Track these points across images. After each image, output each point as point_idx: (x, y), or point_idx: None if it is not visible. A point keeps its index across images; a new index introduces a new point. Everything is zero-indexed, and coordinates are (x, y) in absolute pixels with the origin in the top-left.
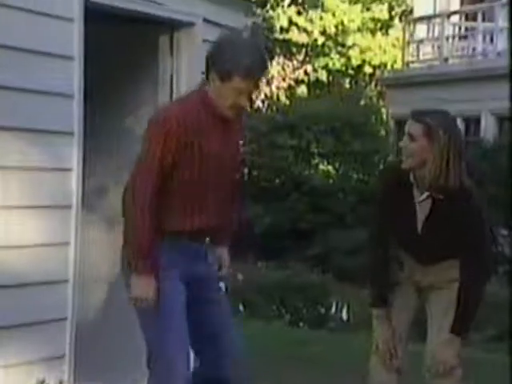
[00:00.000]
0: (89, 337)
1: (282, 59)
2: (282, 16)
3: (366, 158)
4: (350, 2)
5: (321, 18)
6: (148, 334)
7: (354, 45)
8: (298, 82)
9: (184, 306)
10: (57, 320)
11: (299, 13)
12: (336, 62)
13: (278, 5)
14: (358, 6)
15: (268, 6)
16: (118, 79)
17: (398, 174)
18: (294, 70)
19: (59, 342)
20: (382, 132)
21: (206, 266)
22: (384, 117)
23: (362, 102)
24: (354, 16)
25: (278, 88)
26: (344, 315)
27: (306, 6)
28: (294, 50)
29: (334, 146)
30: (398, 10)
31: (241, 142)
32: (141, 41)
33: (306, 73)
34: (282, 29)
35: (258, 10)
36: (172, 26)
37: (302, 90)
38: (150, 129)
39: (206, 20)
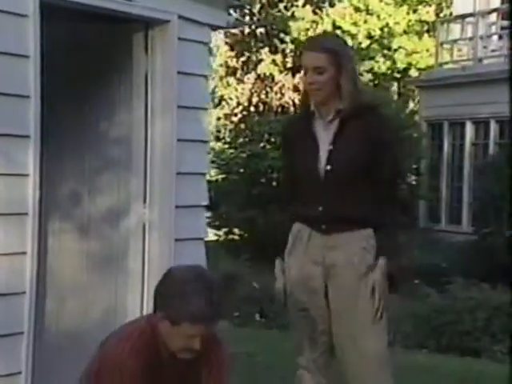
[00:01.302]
0: (56, 351)
1: None
2: (325, 19)
3: None
4: (395, 5)
5: (365, 21)
6: None
7: (399, 48)
8: None
9: None
10: (12, 334)
11: (315, 12)
12: (381, 65)
13: (292, 5)
14: (404, 8)
15: (281, 7)
16: (92, 79)
17: (293, 120)
18: None
19: (15, 358)
20: (415, 135)
21: None
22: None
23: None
24: (400, 18)
25: None
26: None
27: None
28: None
29: None
30: (446, 11)
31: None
32: (114, 40)
33: None
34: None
35: (270, 10)
36: (146, 24)
37: None
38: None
39: (181, 17)
